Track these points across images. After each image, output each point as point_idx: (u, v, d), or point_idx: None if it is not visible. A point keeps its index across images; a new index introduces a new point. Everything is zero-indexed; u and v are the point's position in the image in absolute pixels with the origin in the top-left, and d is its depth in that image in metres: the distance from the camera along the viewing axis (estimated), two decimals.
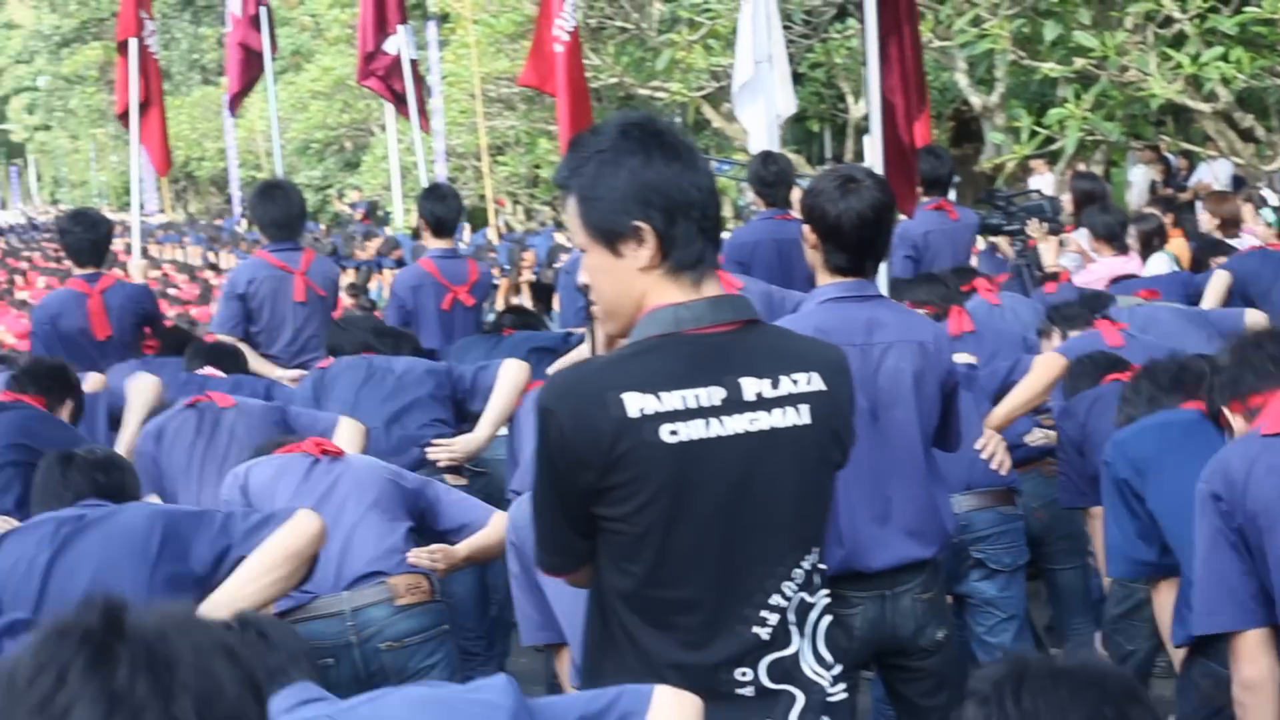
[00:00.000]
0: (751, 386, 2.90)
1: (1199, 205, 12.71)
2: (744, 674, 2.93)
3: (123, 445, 6.52)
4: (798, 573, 2.96)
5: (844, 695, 3.06)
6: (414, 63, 13.32)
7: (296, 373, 7.94)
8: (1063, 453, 5.73)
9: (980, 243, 10.57)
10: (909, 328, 4.56)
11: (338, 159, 37.09)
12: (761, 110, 10.29)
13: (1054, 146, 15.53)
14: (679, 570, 2.89)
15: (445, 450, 6.55)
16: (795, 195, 8.83)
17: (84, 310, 8.39)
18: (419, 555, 5.00)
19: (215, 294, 23.25)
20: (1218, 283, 8.37)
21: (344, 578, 4.91)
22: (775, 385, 2.92)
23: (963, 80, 18.00)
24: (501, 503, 5.68)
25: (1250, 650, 3.47)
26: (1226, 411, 3.85)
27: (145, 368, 7.57)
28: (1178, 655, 4.10)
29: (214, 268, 30.03)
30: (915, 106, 7.56)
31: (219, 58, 48.93)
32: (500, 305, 13.50)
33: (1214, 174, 16.92)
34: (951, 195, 9.82)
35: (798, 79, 17.54)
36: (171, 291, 22.88)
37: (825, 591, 3.03)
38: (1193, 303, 8.17)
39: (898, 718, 4.78)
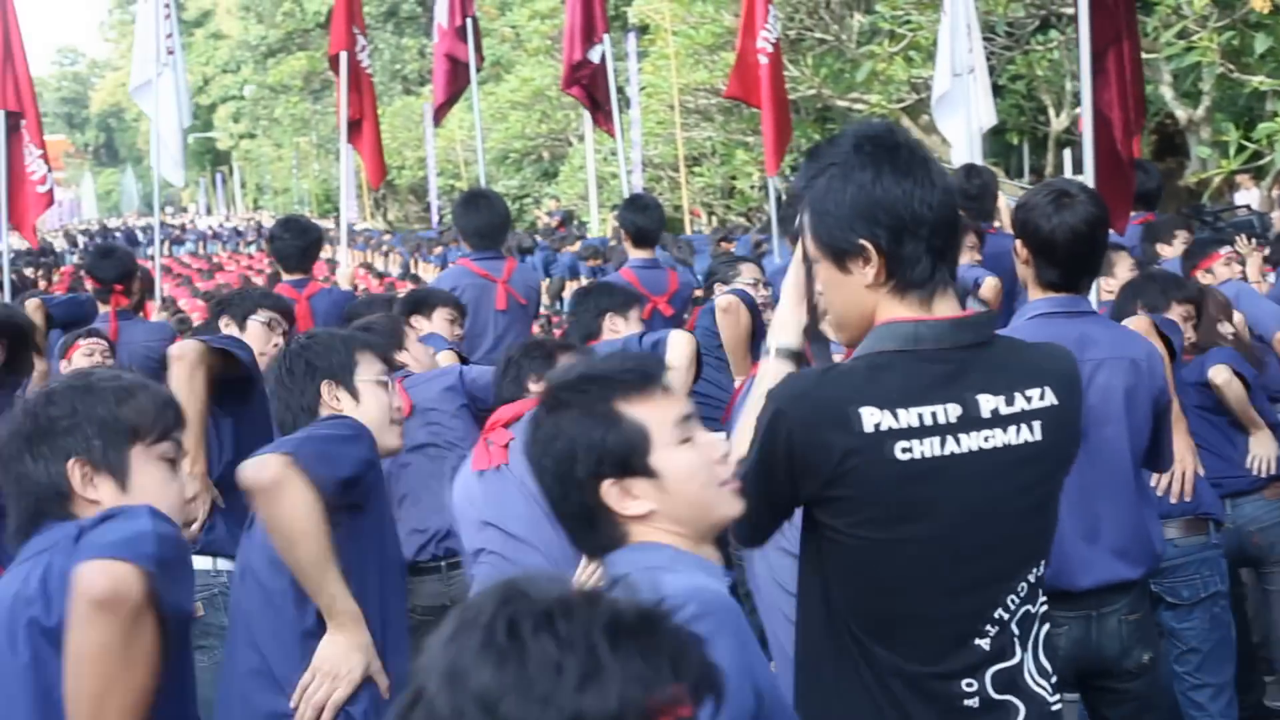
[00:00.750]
0: (987, 403, 2.88)
1: None
2: (970, 685, 2.92)
3: None
4: (1023, 586, 2.94)
5: (1061, 705, 3.04)
6: (615, 72, 13.39)
7: (476, 369, 8.01)
8: None
9: None
10: (1121, 344, 4.49)
11: (535, 168, 37.44)
12: (962, 122, 10.23)
13: (1262, 162, 15.21)
14: (905, 585, 2.89)
15: None
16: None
17: (291, 315, 8.54)
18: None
19: None
20: None
21: None
22: (1010, 402, 2.90)
23: (1168, 93, 17.71)
24: None
25: None
26: None
27: None
28: None
29: (415, 279, 30.47)
30: (1134, 121, 7.43)
31: (420, 68, 49.73)
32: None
33: None
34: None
35: (998, 91, 17.37)
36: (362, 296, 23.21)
37: (1044, 599, 3.02)
38: None
39: None
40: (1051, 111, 21.55)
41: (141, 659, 2.78)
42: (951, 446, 2.85)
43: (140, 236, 48.72)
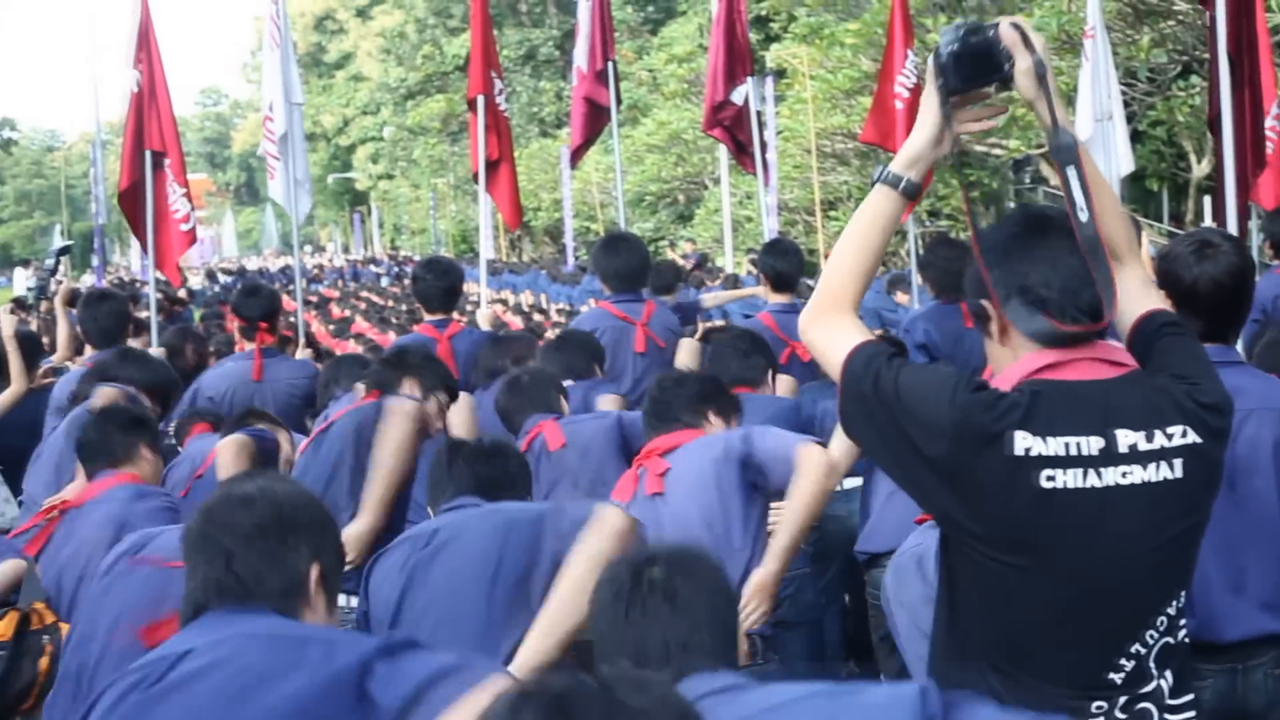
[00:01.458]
0: (1126, 439, 2.90)
1: None
2: (1099, 707, 2.92)
3: None
4: (1161, 620, 2.94)
5: None
6: (757, 114, 13.40)
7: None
8: None
9: None
10: (1272, 395, 4.44)
11: (670, 211, 37.52)
12: (1101, 168, 10.14)
13: None
14: (1038, 613, 2.92)
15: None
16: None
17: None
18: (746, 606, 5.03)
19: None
20: None
21: None
22: (1150, 439, 2.92)
23: None
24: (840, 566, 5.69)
25: None
26: None
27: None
28: None
29: (543, 311, 30.61)
30: (1252, 166, 7.39)
31: (556, 111, 50.03)
32: None
33: None
34: None
35: (1137, 136, 17.22)
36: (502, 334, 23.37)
37: (1184, 630, 3.01)
38: None
39: None
40: (1193, 158, 21.32)
41: None
42: (1093, 480, 2.89)
43: (276, 275, 49.37)
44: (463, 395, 6.30)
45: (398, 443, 5.51)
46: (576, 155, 14.76)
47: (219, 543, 3.12)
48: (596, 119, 13.56)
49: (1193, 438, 2.96)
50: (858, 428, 3.09)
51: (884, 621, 4.73)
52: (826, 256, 20.81)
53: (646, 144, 35.11)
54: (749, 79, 13.47)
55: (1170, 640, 2.98)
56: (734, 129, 13.58)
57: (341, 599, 5.33)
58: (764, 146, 14.77)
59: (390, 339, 19.79)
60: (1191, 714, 3.03)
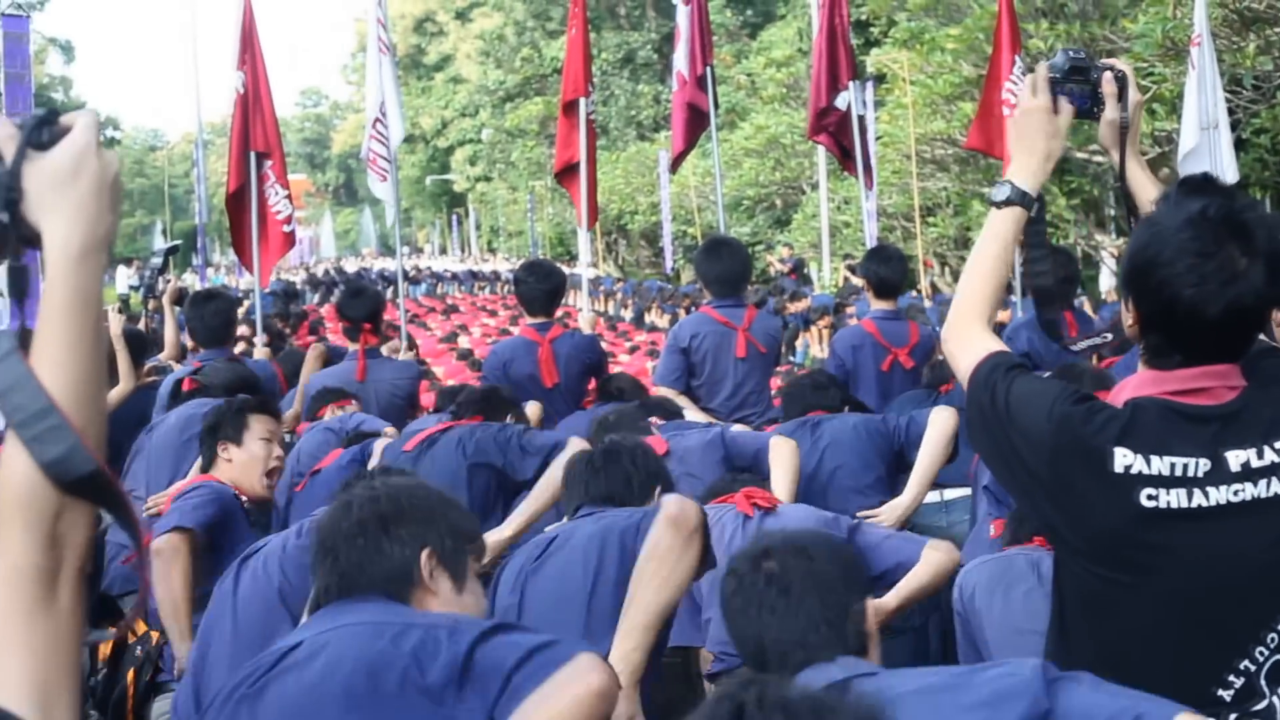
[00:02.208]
0: (1237, 458, 2.88)
1: None
2: None
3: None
4: (1272, 637, 2.91)
5: None
6: (860, 119, 13.37)
7: (738, 428, 8.09)
8: None
9: None
10: None
11: (768, 216, 37.50)
12: None
13: None
14: (1143, 627, 2.91)
15: (873, 523, 6.48)
16: None
17: (534, 358, 8.65)
18: None
19: (643, 348, 23.79)
20: None
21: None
22: (1260, 455, 2.89)
23: None
24: None
25: None
26: None
27: (579, 424, 7.92)
28: None
29: (639, 319, 30.67)
30: None
31: (654, 114, 50.11)
32: None
33: None
34: None
35: (1241, 145, 17.01)
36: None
37: None
38: None
39: None
40: None
41: None
42: (1199, 499, 2.86)
43: (375, 277, 49.69)
44: (778, 440, 6.39)
45: (551, 480, 5.70)
46: (677, 161, 14.76)
47: (327, 546, 3.26)
48: (697, 124, 13.56)
49: None
50: (976, 437, 3.12)
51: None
52: (926, 264, 20.80)
53: (744, 148, 35.11)
54: (851, 84, 13.43)
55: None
56: (838, 134, 13.56)
57: None
58: (865, 152, 14.72)
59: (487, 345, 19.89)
60: None
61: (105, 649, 5.76)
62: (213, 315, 9.05)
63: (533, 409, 7.91)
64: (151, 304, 8.65)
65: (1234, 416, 2.92)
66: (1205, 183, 3.01)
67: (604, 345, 10.04)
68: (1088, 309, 16.02)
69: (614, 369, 12.18)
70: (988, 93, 11.16)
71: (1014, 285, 12.89)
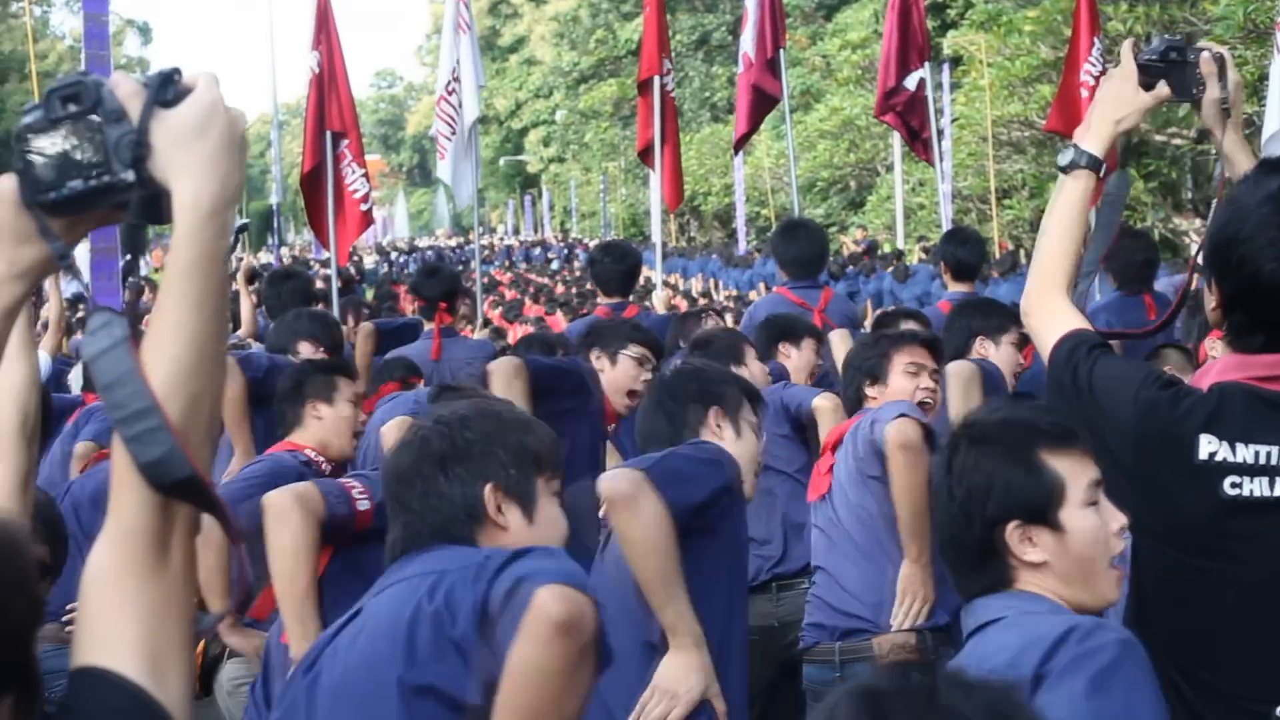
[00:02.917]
0: None
1: None
2: None
3: None
4: None
5: None
6: (923, 100, 13.29)
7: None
8: None
9: None
10: None
11: (842, 198, 37.34)
12: None
13: None
14: (1222, 615, 2.88)
15: None
16: None
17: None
18: (895, 615, 5.00)
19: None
20: None
21: (837, 627, 4.96)
22: None
23: None
24: None
25: None
26: None
27: None
28: None
29: (708, 298, 30.61)
30: None
31: (728, 96, 49.92)
32: None
33: None
34: None
35: None
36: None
37: None
38: None
39: None
40: None
41: (583, 687, 2.77)
42: None
43: (449, 255, 49.78)
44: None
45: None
46: (740, 144, 14.73)
47: (391, 494, 3.18)
48: (762, 107, 13.53)
49: None
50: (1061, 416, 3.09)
51: None
52: (1001, 246, 20.71)
53: (819, 130, 34.96)
54: (925, 65, 13.36)
55: None
56: (906, 115, 13.48)
57: None
58: (940, 134, 14.63)
59: (560, 321, 19.89)
60: None
61: None
62: (290, 293, 9.10)
63: None
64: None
65: None
66: None
67: None
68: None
69: None
70: (1067, 75, 11.09)
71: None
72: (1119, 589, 2.73)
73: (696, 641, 3.99)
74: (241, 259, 11.30)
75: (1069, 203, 3.27)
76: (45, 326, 10.33)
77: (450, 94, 12.52)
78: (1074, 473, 2.67)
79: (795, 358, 6.93)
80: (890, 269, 24.23)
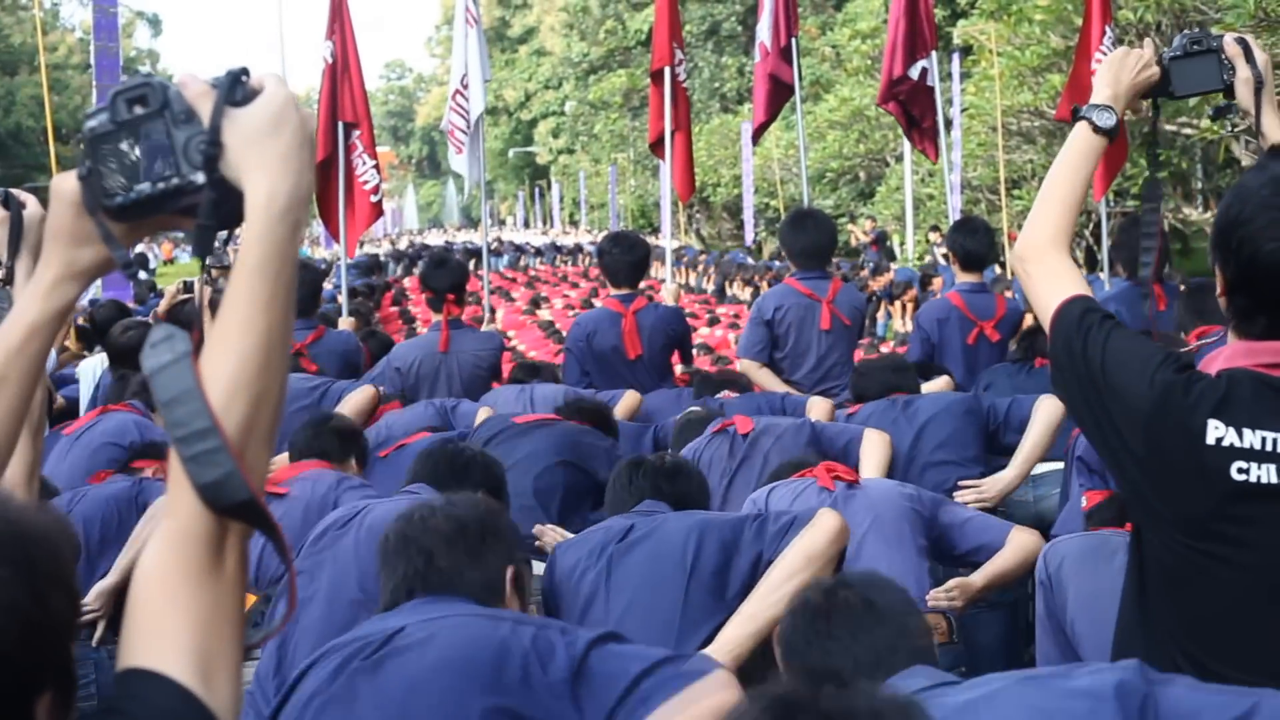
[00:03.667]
0: None
1: None
2: None
3: None
4: None
5: None
6: (930, 90, 13.22)
7: (819, 408, 8.07)
8: None
9: None
10: None
11: (851, 188, 37.34)
12: None
13: None
14: (1227, 600, 2.88)
15: (974, 493, 6.47)
16: None
17: (618, 329, 8.65)
18: (936, 596, 4.98)
19: (724, 320, 23.76)
20: None
21: None
22: None
23: None
24: None
25: None
26: None
27: (664, 400, 7.95)
28: None
29: (720, 292, 30.63)
30: None
31: (738, 87, 49.97)
32: None
33: None
34: None
35: None
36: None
37: None
38: None
39: None
40: None
41: None
42: None
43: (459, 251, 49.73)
44: (871, 432, 6.36)
45: None
46: (758, 133, 14.69)
47: (419, 543, 3.36)
48: (779, 96, 13.49)
49: None
50: (1062, 381, 3.08)
51: None
52: (1011, 236, 20.60)
53: (829, 120, 34.96)
54: (932, 54, 13.32)
55: None
56: (908, 104, 13.43)
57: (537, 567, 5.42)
58: (949, 123, 14.59)
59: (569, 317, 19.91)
60: None
61: None
62: (299, 286, 9.07)
63: (630, 400, 7.88)
64: (216, 273, 8.67)
65: None
66: None
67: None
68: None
69: (696, 341, 12.14)
70: (1078, 64, 11.03)
71: (1100, 261, 12.79)
72: None
73: None
74: (236, 251, 11.21)
75: (1084, 162, 3.29)
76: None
77: (466, 88, 12.52)
78: None
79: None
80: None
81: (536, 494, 6.00)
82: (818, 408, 7.09)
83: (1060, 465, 6.39)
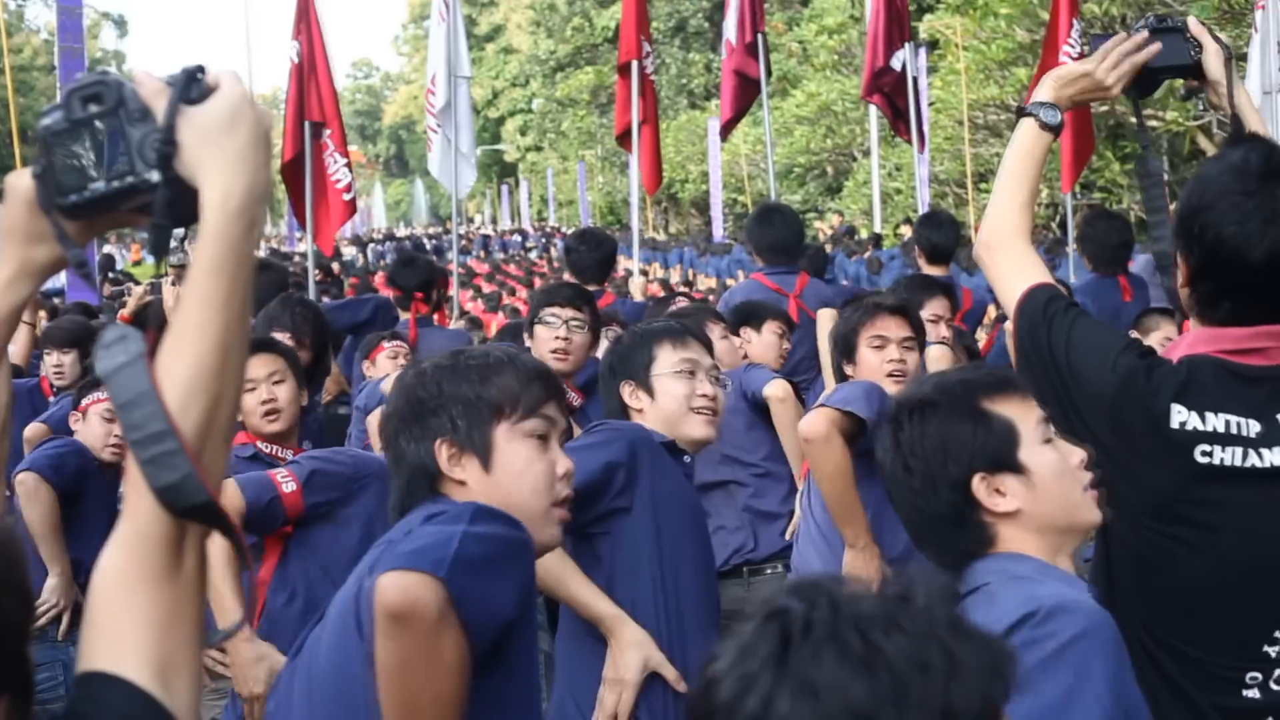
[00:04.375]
0: None
1: None
2: (1253, 678, 2.91)
3: None
4: None
5: None
6: (914, 80, 13.24)
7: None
8: None
9: None
10: None
11: (819, 183, 37.34)
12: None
13: None
14: (1194, 583, 2.91)
15: None
16: None
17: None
18: None
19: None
20: None
21: None
22: None
23: None
24: None
25: None
26: None
27: None
28: None
29: (689, 285, 30.61)
30: None
31: (705, 83, 49.97)
32: None
33: None
34: None
35: None
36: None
37: None
38: None
39: None
40: None
41: (445, 670, 2.71)
42: (1253, 460, 2.85)
43: (426, 244, 49.62)
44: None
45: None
46: (727, 129, 14.70)
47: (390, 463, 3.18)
48: (746, 92, 13.51)
49: None
50: (1028, 368, 3.11)
51: None
52: (977, 229, 20.67)
53: (796, 115, 34.97)
54: (906, 45, 13.34)
55: None
56: (893, 96, 13.46)
57: None
58: (919, 115, 14.61)
59: None
60: None
61: None
62: (264, 286, 9.00)
63: None
64: (172, 272, 8.64)
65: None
66: (1251, 136, 3.02)
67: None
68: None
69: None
70: (1046, 57, 11.08)
71: (1065, 250, 12.82)
72: (1098, 509, 2.68)
73: (618, 620, 4.00)
74: (189, 251, 11.12)
75: (1031, 155, 3.34)
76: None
77: (435, 85, 12.50)
78: (1021, 414, 2.61)
79: (756, 342, 6.95)
80: (866, 255, 24.24)
81: None
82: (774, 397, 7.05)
83: None
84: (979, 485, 2.58)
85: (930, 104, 24.27)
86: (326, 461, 4.92)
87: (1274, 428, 2.87)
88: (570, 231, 21.32)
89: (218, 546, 3.69)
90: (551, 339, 6.13)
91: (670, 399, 4.34)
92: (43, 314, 10.55)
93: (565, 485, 3.09)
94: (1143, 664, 2.91)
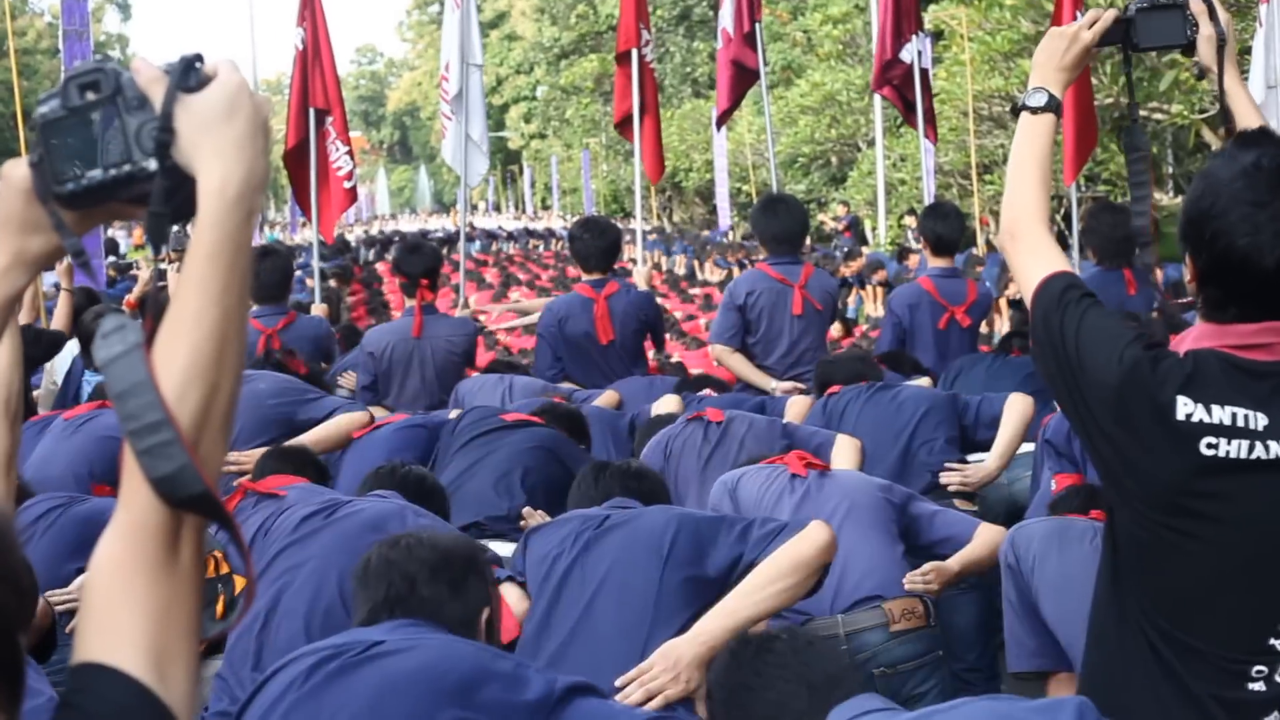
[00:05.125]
0: None
1: None
2: (1259, 671, 2.91)
3: None
4: None
5: None
6: (924, 72, 13.22)
7: (789, 384, 8.09)
8: None
9: None
10: None
11: (823, 173, 37.33)
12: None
13: None
14: (1200, 576, 2.91)
15: (959, 475, 6.50)
16: None
17: (589, 314, 8.65)
18: (913, 579, 5.00)
19: (696, 300, 23.77)
20: None
21: (840, 600, 4.92)
22: None
23: None
24: None
25: None
26: None
27: (635, 389, 7.97)
28: None
29: (690, 276, 30.63)
30: None
31: (710, 71, 49.84)
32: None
33: None
34: None
35: None
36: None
37: None
38: None
39: None
40: None
41: None
42: (1259, 452, 2.85)
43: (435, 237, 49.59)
44: (844, 439, 6.35)
45: None
46: (723, 119, 14.69)
47: (403, 568, 3.41)
48: (743, 81, 13.50)
49: None
50: (1041, 355, 3.12)
51: None
52: (982, 221, 20.64)
53: (800, 105, 34.93)
54: (915, 36, 13.32)
55: None
56: (902, 88, 13.45)
57: (503, 548, 5.41)
58: (928, 106, 14.60)
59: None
60: None
61: None
62: (269, 272, 8.99)
63: (609, 398, 7.88)
64: (172, 256, 8.64)
65: None
66: (1261, 135, 3.00)
67: (660, 301, 10.01)
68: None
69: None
70: None
71: (1069, 243, 12.82)
72: None
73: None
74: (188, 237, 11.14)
75: (1039, 141, 3.35)
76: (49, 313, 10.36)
77: (449, 71, 12.51)
78: None
79: None
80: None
81: (524, 475, 6.00)
82: (796, 407, 7.10)
83: (1033, 447, 6.44)
84: None
85: (935, 95, 24.26)
86: None
87: (1277, 421, 2.87)
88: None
89: None
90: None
91: None
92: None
93: None
94: (1144, 655, 2.92)
